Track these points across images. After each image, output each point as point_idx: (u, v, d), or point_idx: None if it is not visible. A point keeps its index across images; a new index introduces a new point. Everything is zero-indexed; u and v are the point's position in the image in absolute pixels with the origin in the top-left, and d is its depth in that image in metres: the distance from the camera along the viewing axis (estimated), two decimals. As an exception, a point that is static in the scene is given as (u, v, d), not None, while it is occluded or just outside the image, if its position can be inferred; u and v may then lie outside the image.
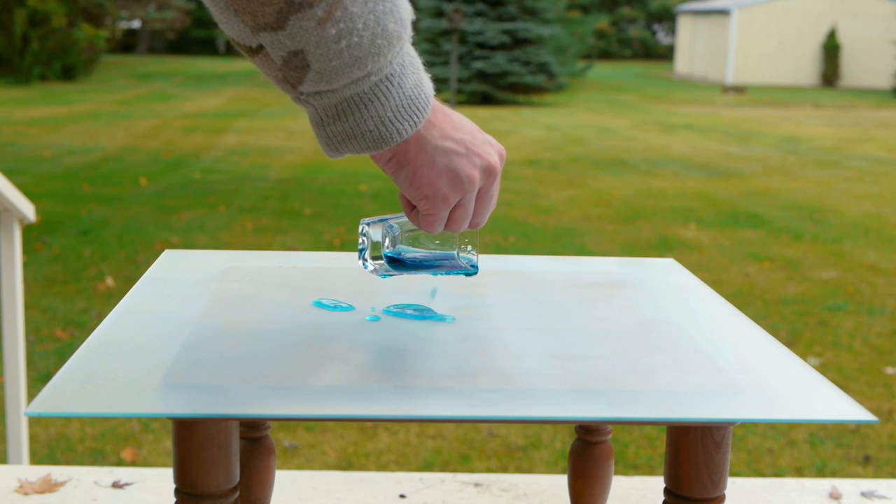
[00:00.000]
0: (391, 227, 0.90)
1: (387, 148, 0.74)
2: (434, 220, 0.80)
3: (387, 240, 0.90)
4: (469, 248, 0.91)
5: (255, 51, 0.70)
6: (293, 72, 0.70)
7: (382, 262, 0.91)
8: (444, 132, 0.77)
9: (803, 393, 0.77)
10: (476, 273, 0.93)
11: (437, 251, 0.90)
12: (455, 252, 0.90)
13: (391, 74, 0.72)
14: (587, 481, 1.09)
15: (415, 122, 0.73)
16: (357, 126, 0.72)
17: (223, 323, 0.88)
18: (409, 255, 0.90)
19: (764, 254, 5.33)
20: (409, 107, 0.73)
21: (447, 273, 0.92)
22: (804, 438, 2.90)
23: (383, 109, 0.72)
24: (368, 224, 0.92)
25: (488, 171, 0.79)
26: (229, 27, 0.69)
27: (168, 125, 10.99)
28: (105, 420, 2.87)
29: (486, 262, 1.12)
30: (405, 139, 0.74)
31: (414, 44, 0.75)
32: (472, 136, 0.79)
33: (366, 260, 0.93)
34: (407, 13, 0.72)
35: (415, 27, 0.75)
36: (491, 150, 0.80)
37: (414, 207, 0.81)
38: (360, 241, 0.93)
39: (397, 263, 0.90)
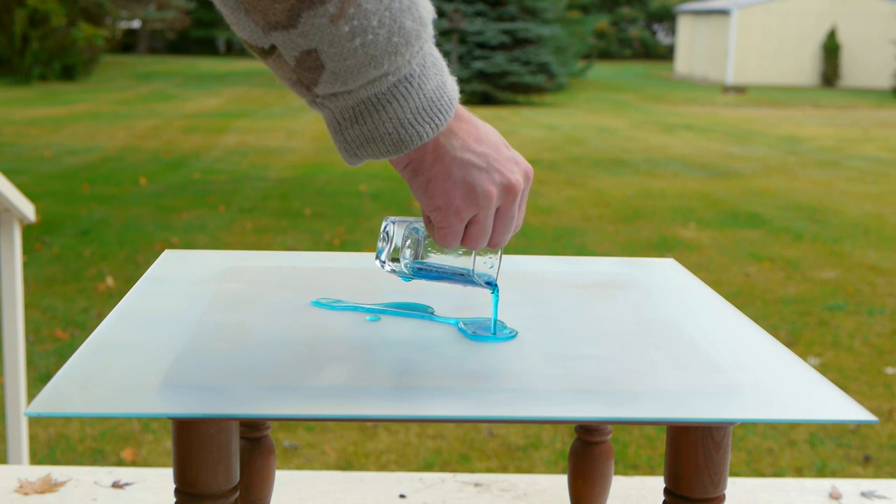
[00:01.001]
0: (416, 229, 0.87)
1: (406, 151, 0.71)
2: (447, 233, 0.77)
3: (408, 241, 0.87)
4: (491, 264, 0.87)
5: (268, 52, 0.68)
6: (307, 73, 0.68)
7: (401, 264, 0.89)
8: (466, 143, 0.74)
9: (803, 393, 0.77)
10: (497, 291, 0.90)
11: (457, 264, 0.87)
12: (471, 268, 0.87)
13: (410, 75, 0.69)
14: (587, 481, 1.09)
15: (436, 125, 0.71)
16: (375, 128, 0.70)
17: (223, 323, 0.88)
18: (428, 266, 0.88)
19: (764, 254, 5.33)
20: (431, 109, 0.70)
21: (466, 284, 0.89)
22: (804, 438, 2.90)
23: (402, 111, 0.70)
24: (394, 223, 0.89)
25: (508, 189, 0.76)
26: (240, 28, 0.68)
27: (168, 125, 10.99)
28: (105, 420, 2.87)
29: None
30: (424, 143, 0.72)
31: (434, 33, 0.72)
32: (496, 150, 0.76)
33: (384, 261, 0.90)
34: (427, 12, 0.69)
35: None
36: (515, 168, 0.77)
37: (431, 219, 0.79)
38: (382, 236, 0.90)
39: (417, 270, 0.88)
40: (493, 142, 0.76)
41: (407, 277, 0.90)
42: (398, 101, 0.69)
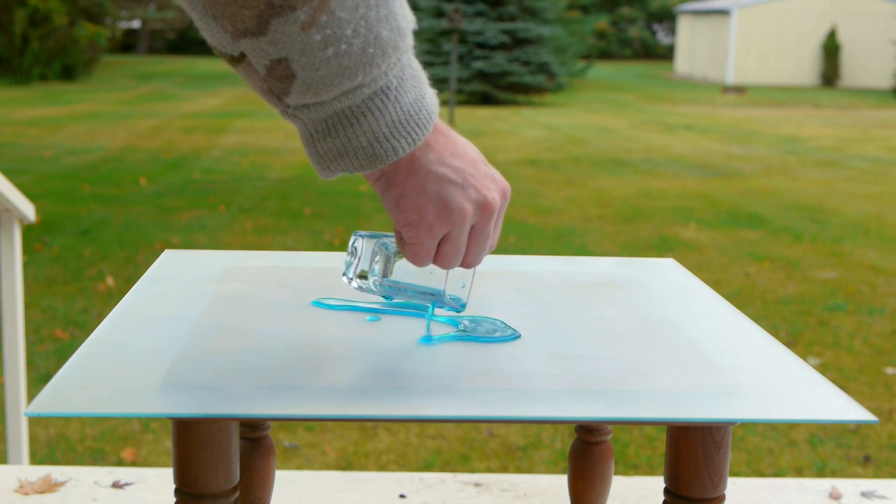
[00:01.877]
0: (385, 245, 0.84)
1: (381, 166, 0.69)
2: (419, 250, 0.74)
3: (378, 257, 0.85)
4: (462, 284, 0.85)
5: (238, 60, 0.65)
6: (278, 82, 0.65)
7: (368, 281, 0.86)
8: (442, 158, 0.71)
9: (803, 393, 0.77)
10: (463, 311, 0.88)
11: (428, 284, 0.84)
12: (442, 289, 0.83)
13: (387, 87, 0.67)
14: (587, 481, 1.09)
15: (413, 140, 0.68)
16: (349, 142, 0.67)
17: (223, 323, 0.88)
18: (397, 284, 0.85)
19: (764, 254, 5.33)
20: (408, 122, 0.68)
21: (434, 305, 0.86)
22: (804, 438, 2.90)
23: (377, 124, 0.67)
24: (362, 237, 0.86)
25: (483, 207, 0.73)
26: (209, 34, 0.65)
27: (168, 125, 10.99)
28: (105, 420, 2.87)
29: (486, 261, 1.12)
30: (400, 158, 0.69)
31: (414, 44, 0.69)
32: (473, 166, 0.73)
33: (351, 278, 0.88)
34: (406, 22, 0.67)
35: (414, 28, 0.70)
36: (492, 185, 0.74)
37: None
38: (350, 251, 0.87)
39: (384, 288, 0.86)
40: (470, 157, 0.74)
41: (387, 297, 0.87)
42: (373, 115, 0.67)
